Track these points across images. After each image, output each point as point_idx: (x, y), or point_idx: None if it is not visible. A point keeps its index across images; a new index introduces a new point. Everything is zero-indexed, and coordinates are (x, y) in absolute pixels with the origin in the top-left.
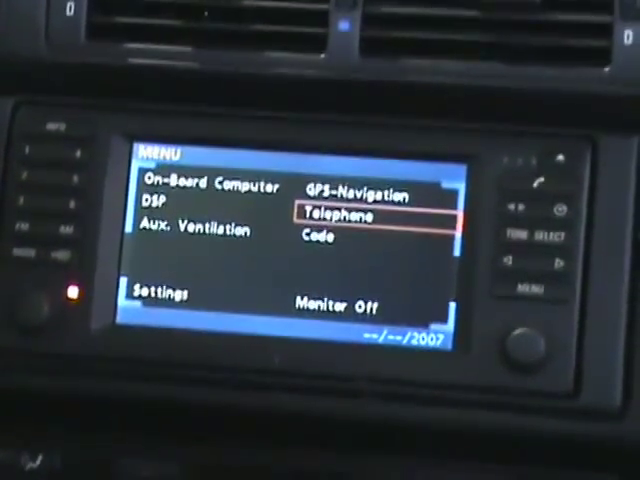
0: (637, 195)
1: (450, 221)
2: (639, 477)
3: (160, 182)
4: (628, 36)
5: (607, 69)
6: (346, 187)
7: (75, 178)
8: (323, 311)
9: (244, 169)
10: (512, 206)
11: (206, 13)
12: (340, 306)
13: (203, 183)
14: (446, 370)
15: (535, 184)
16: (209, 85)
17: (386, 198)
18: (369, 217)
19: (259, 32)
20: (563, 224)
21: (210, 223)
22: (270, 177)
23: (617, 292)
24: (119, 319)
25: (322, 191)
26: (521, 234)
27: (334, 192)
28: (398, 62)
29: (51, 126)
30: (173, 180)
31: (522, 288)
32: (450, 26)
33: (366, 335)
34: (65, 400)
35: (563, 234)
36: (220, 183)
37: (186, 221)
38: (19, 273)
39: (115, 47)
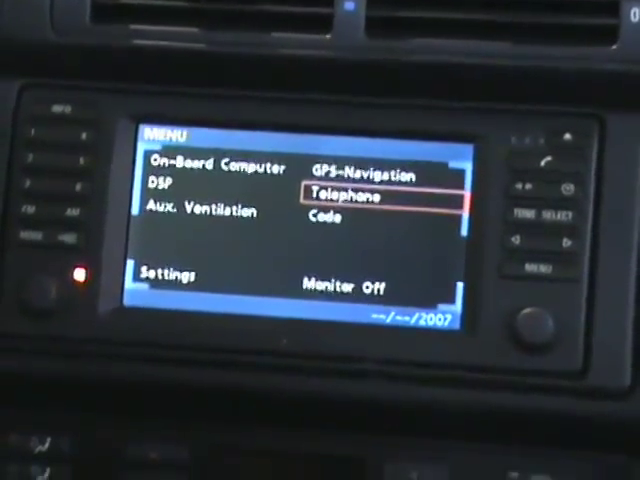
0: None
1: (457, 201)
2: None
3: (166, 164)
4: (635, 14)
5: (614, 47)
6: (353, 167)
7: (81, 160)
8: (330, 292)
9: (250, 150)
10: (519, 185)
11: None
12: (347, 287)
13: (209, 165)
14: (454, 350)
15: (542, 163)
16: (215, 66)
17: (393, 178)
18: (376, 197)
19: (264, 13)
20: (571, 203)
21: (217, 205)
22: (276, 158)
23: (625, 271)
24: (126, 301)
25: (329, 172)
26: (529, 213)
27: (341, 172)
28: (404, 42)
29: (57, 108)
30: (179, 162)
31: (530, 268)
32: (456, 5)
33: (374, 316)
34: (72, 383)
35: (571, 213)
36: (226, 164)
37: (192, 203)
38: (26, 256)
39: (120, 29)
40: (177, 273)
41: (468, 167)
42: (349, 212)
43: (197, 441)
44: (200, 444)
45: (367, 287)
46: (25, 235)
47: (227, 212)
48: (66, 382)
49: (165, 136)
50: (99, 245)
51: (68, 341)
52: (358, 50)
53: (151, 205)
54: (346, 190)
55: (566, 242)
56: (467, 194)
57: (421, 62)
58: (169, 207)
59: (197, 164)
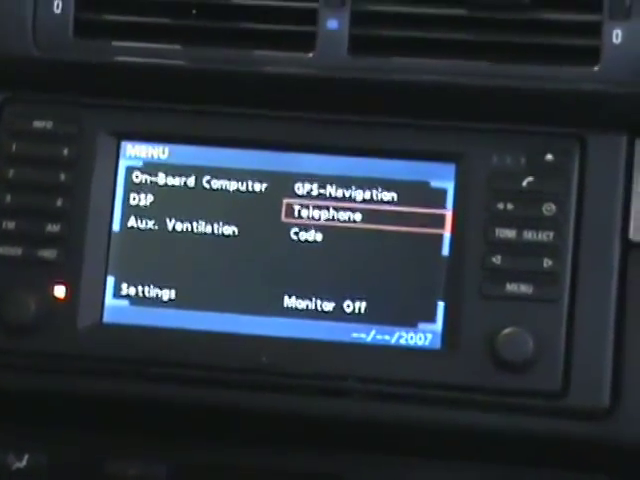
0: (625, 194)
1: (439, 220)
2: (627, 477)
3: (148, 181)
4: (617, 35)
5: (596, 68)
6: (334, 186)
7: (62, 176)
8: (311, 310)
9: (232, 168)
10: (501, 205)
11: (194, 11)
12: (328, 305)
13: (191, 182)
14: (434, 369)
15: (524, 183)
16: (197, 83)
17: (375, 197)
18: (357, 216)
19: (247, 30)
20: (552, 223)
21: (198, 222)
22: (258, 176)
23: (605, 291)
24: (106, 318)
25: (310, 190)
26: (510, 233)
27: (322, 191)
28: (387, 61)
29: (38, 124)
30: (161, 179)
31: (511, 287)
32: (439, 25)
33: (354, 335)
34: (51, 399)
35: (552, 233)
36: (208, 182)
37: (174, 220)
38: (5, 272)
39: (103, 45)
40: (157, 290)
41: (450, 186)
42: (330, 231)
43: (176, 458)
44: (179, 461)
45: (348, 306)
46: (4, 250)
47: (208, 230)
48: (44, 398)
49: (147, 153)
50: (79, 261)
51: (47, 357)
52: (341, 69)
53: (132, 222)
54: (327, 209)
55: (547, 262)
56: (449, 213)
57: (404, 81)
58: (150, 224)
59: (178, 181)
